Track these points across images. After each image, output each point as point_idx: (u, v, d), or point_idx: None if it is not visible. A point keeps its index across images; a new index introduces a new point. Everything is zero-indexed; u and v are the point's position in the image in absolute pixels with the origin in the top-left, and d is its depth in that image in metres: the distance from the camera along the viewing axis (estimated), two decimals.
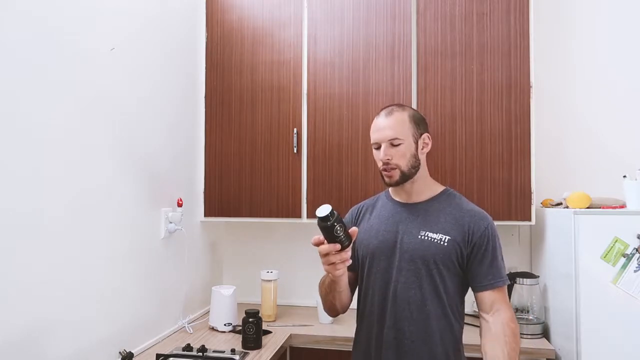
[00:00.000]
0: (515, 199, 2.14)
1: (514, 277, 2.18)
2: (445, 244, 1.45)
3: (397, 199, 1.58)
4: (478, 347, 1.96)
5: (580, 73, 2.45)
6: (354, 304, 1.62)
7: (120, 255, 1.78)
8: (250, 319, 1.92)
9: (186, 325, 2.18)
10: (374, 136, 1.52)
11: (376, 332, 1.50)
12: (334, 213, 1.25)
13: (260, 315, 1.96)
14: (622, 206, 1.97)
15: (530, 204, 2.13)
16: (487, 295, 1.45)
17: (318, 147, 2.32)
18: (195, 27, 2.42)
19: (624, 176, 1.98)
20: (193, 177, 2.39)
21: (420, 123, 1.54)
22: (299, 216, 2.33)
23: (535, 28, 2.18)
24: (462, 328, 1.53)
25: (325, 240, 1.28)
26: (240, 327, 1.96)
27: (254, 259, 2.69)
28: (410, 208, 1.54)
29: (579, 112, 2.44)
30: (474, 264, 1.46)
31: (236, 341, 2.00)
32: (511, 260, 2.46)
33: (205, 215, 2.44)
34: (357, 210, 1.67)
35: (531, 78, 2.15)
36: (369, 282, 1.54)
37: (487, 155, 2.17)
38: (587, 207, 1.96)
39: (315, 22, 2.34)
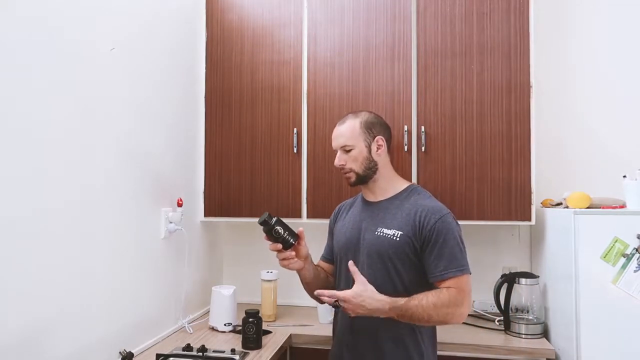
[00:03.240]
0: (515, 199, 2.14)
1: (514, 277, 2.18)
2: (398, 239, 1.56)
3: (366, 198, 1.73)
4: (476, 347, 1.98)
5: (580, 73, 2.44)
6: None
7: (120, 255, 1.78)
8: (250, 319, 1.92)
9: (186, 325, 2.18)
10: (332, 144, 1.70)
11: (343, 320, 1.65)
12: (271, 217, 1.53)
13: (260, 315, 1.96)
14: (622, 206, 1.97)
15: (530, 204, 2.13)
16: (439, 286, 1.53)
17: (318, 147, 2.32)
18: (196, 27, 2.42)
19: (624, 176, 1.98)
20: (193, 177, 2.39)
21: (373, 127, 1.67)
22: (299, 216, 2.33)
23: (535, 28, 2.17)
24: None
25: (271, 242, 1.56)
26: (240, 327, 1.96)
27: (254, 259, 2.69)
28: (374, 206, 1.68)
29: (579, 112, 2.44)
30: (424, 257, 1.55)
31: (236, 341, 2.00)
32: (511, 260, 2.46)
33: (205, 215, 2.44)
34: (338, 210, 1.85)
35: (531, 78, 2.14)
36: (340, 274, 1.70)
37: (487, 155, 2.17)
38: (587, 207, 1.96)
39: (315, 22, 2.34)
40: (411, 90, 2.23)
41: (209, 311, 2.29)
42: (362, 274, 1.56)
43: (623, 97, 2.40)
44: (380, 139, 1.66)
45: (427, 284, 1.57)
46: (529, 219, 2.14)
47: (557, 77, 2.46)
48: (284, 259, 1.59)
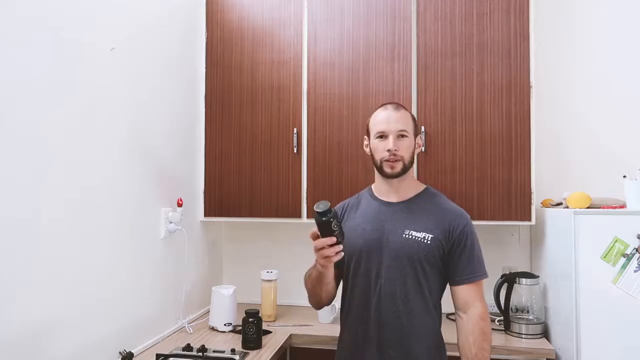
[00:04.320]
0: (515, 199, 2.14)
1: (514, 277, 2.18)
2: (429, 242, 1.52)
3: (381, 197, 1.64)
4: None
5: (580, 73, 2.44)
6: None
7: (120, 255, 1.78)
8: (250, 319, 1.92)
9: (186, 325, 2.18)
10: (382, 127, 1.56)
11: (362, 326, 1.57)
12: (331, 209, 1.34)
13: (260, 315, 1.96)
14: (622, 206, 1.96)
15: (530, 204, 2.13)
16: (463, 290, 1.53)
17: (318, 147, 2.32)
18: (196, 27, 2.42)
19: (624, 176, 1.98)
20: (193, 177, 2.39)
21: (416, 125, 1.65)
22: (299, 216, 2.33)
23: (535, 28, 2.17)
24: (441, 322, 1.60)
25: (320, 235, 1.37)
26: (240, 327, 1.96)
27: (254, 259, 2.69)
28: (395, 207, 1.60)
29: (579, 112, 2.44)
30: (452, 260, 1.54)
31: (236, 341, 2.00)
32: (511, 260, 2.46)
33: (205, 215, 2.44)
34: (342, 209, 1.71)
35: (531, 78, 2.15)
36: (355, 279, 1.59)
37: (487, 155, 2.17)
38: (587, 207, 1.96)
39: (315, 22, 2.34)
40: (411, 90, 2.23)
41: (209, 311, 2.29)
42: (383, 277, 1.53)
43: (623, 97, 2.40)
44: (419, 139, 1.65)
45: (442, 287, 1.58)
46: (529, 219, 2.14)
47: (557, 77, 2.46)
48: (329, 256, 1.38)
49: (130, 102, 1.84)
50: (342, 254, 1.40)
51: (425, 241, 1.52)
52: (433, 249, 1.52)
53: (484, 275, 1.55)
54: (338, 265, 1.61)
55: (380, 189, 1.65)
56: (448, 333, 1.63)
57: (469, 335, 1.50)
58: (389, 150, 1.53)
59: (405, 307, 1.52)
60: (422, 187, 1.66)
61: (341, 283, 1.68)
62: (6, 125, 1.28)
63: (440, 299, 1.60)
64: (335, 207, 1.72)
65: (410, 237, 1.53)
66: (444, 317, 1.65)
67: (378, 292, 1.54)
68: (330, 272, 1.53)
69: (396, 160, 1.54)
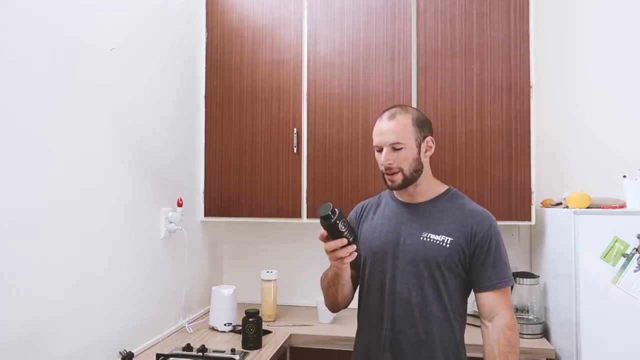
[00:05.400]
0: (515, 199, 2.14)
1: (514, 277, 2.17)
2: (448, 245, 1.45)
3: (400, 199, 1.58)
4: (476, 347, 1.96)
5: (580, 73, 2.44)
6: (354, 304, 1.63)
7: (120, 255, 1.78)
8: (250, 319, 1.92)
9: (186, 325, 2.18)
10: (376, 139, 1.51)
11: (376, 333, 1.51)
12: (335, 211, 1.27)
13: (260, 315, 1.96)
14: (622, 206, 1.97)
15: (530, 204, 2.13)
16: (488, 297, 1.45)
17: (318, 147, 2.32)
18: (195, 27, 2.42)
19: (624, 176, 1.98)
20: (193, 177, 2.39)
21: (424, 126, 1.52)
22: (299, 216, 2.33)
23: (535, 28, 2.18)
24: (463, 330, 1.53)
25: (330, 237, 1.31)
26: (240, 327, 1.96)
27: (254, 259, 2.69)
28: (413, 209, 1.54)
29: (579, 112, 2.44)
30: (476, 265, 1.46)
31: (236, 341, 2.00)
32: (511, 260, 2.40)
33: (205, 215, 2.44)
34: (362, 208, 1.66)
35: (531, 78, 2.15)
36: (370, 282, 1.54)
37: (487, 155, 2.17)
38: (587, 207, 1.96)
39: (315, 22, 2.34)
40: (411, 91, 2.23)
41: (209, 311, 2.29)
42: (399, 282, 1.47)
43: (623, 97, 2.40)
44: (430, 140, 1.53)
45: (464, 293, 1.51)
46: (529, 219, 2.14)
47: (557, 77, 2.46)
48: (342, 257, 1.33)
49: (130, 102, 1.84)
50: (356, 254, 1.34)
51: (444, 245, 1.45)
52: (452, 253, 1.45)
53: (510, 281, 1.47)
54: (354, 265, 1.55)
55: (400, 192, 1.58)
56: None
57: (494, 345, 1.42)
58: (383, 165, 1.50)
59: (422, 315, 1.45)
60: (444, 187, 1.58)
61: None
62: (6, 125, 1.28)
63: (464, 305, 1.52)
64: (356, 207, 1.69)
65: (428, 240, 1.47)
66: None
67: (392, 297, 1.48)
68: (347, 273, 1.47)
69: (393, 173, 1.48)
